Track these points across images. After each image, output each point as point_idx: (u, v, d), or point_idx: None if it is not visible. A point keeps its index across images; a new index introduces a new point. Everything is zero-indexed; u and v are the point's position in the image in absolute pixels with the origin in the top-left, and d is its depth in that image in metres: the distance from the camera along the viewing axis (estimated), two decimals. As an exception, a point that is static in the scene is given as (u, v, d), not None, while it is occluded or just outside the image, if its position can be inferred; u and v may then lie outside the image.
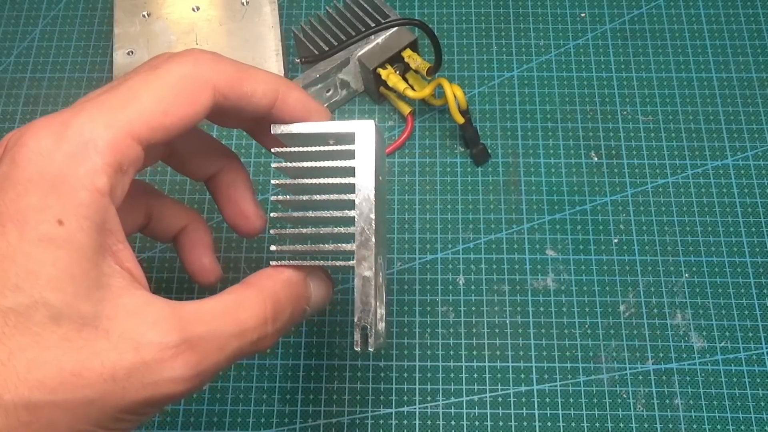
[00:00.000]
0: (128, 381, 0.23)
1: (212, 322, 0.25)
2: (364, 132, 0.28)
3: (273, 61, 0.47)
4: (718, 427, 0.41)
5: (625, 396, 0.42)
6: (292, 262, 0.28)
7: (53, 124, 0.23)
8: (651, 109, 0.50)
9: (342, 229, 0.28)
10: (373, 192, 0.28)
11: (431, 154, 0.49)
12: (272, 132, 0.29)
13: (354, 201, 0.28)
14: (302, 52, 0.50)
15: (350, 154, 0.28)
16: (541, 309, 0.44)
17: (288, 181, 0.29)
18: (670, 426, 0.41)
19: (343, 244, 0.28)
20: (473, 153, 0.48)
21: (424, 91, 0.47)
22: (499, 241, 0.46)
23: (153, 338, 0.23)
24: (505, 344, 0.43)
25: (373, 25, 0.48)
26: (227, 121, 0.30)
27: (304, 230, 0.29)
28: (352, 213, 0.28)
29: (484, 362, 0.43)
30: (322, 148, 0.28)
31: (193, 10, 0.49)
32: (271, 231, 0.30)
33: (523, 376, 0.42)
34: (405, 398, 0.42)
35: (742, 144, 0.48)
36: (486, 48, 0.53)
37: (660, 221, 0.46)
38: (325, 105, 0.49)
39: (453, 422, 0.41)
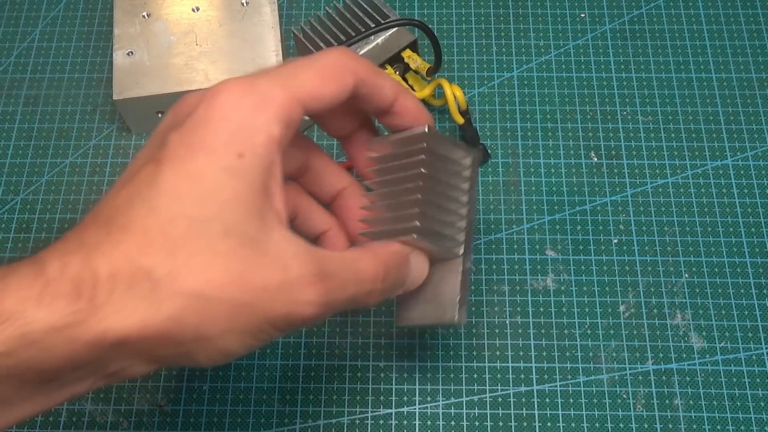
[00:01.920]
0: (276, 294, 0.28)
1: (338, 266, 0.30)
2: (475, 155, 0.36)
3: (273, 61, 0.47)
4: (718, 427, 0.41)
5: (625, 396, 0.42)
6: (422, 241, 0.34)
7: (242, 82, 0.29)
8: (651, 110, 0.50)
9: (458, 224, 0.35)
10: (473, 202, 0.36)
11: (431, 155, 0.49)
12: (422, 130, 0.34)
13: (465, 207, 0.35)
14: (303, 54, 0.50)
15: (467, 173, 0.36)
16: (541, 309, 0.44)
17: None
18: (670, 426, 0.41)
19: (458, 237, 0.35)
20: None
21: (424, 92, 0.47)
22: (498, 241, 0.46)
23: (295, 265, 0.28)
24: (505, 344, 0.43)
25: (373, 25, 0.48)
26: (343, 120, 0.36)
27: (436, 217, 0.34)
28: (463, 211, 0.35)
29: (484, 362, 0.43)
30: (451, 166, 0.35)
31: (193, 10, 0.49)
32: (405, 211, 0.34)
33: (523, 376, 0.42)
34: (405, 398, 0.42)
35: (741, 144, 0.48)
36: (486, 48, 0.53)
37: (660, 221, 0.46)
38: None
39: (453, 422, 0.41)
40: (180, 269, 0.26)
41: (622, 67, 0.51)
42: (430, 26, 0.47)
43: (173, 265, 0.26)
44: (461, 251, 0.35)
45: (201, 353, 0.28)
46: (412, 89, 0.47)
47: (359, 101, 0.33)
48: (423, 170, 0.33)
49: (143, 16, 0.49)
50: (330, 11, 0.49)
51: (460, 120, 0.46)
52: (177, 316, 0.26)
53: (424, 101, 0.49)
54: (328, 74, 0.31)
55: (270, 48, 0.48)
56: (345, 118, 0.36)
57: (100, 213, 0.28)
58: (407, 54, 0.48)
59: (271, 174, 0.29)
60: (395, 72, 0.48)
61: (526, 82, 0.51)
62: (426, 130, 0.34)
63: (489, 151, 0.48)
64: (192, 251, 0.27)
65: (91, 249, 0.26)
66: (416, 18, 0.52)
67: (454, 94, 0.45)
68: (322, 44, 0.48)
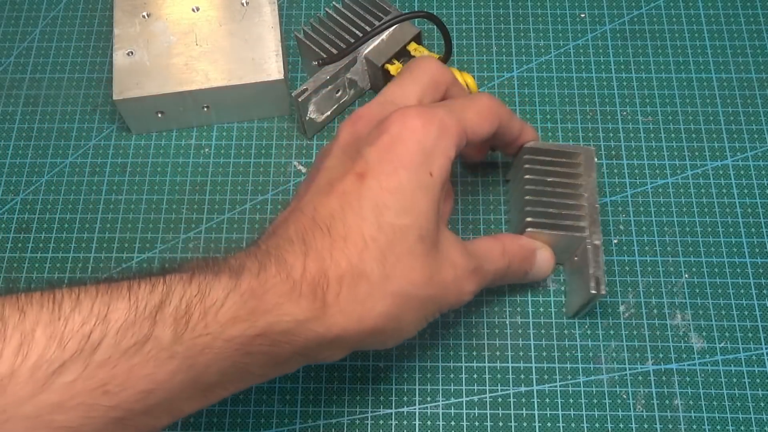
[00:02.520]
0: (450, 287, 0.35)
1: (482, 259, 0.37)
2: (590, 153, 0.43)
3: (273, 61, 0.47)
4: (718, 427, 0.41)
5: (624, 396, 0.42)
6: (543, 230, 0.42)
7: (424, 111, 0.35)
8: (651, 110, 0.50)
9: (576, 212, 0.42)
10: (596, 189, 0.43)
11: (431, 155, 0.49)
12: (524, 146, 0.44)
13: (585, 195, 0.42)
14: (307, 56, 0.50)
15: (580, 168, 0.43)
16: (541, 309, 0.44)
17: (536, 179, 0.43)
18: (670, 426, 0.41)
19: (579, 222, 0.42)
20: None
21: None
22: (499, 241, 0.46)
23: (461, 264, 0.35)
24: (505, 344, 0.43)
25: (376, 22, 0.48)
26: (475, 150, 0.46)
27: (551, 210, 0.42)
28: (584, 202, 0.42)
29: (484, 362, 0.43)
30: (563, 169, 0.43)
31: (193, 10, 0.49)
32: (527, 208, 0.42)
33: (523, 376, 0.42)
34: (405, 398, 0.42)
35: (741, 144, 0.48)
36: (486, 49, 0.53)
37: (660, 221, 0.46)
38: (335, 106, 0.49)
39: (453, 422, 0.41)
40: (389, 272, 0.32)
41: (622, 67, 0.51)
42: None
43: (384, 268, 0.32)
44: (586, 233, 0.41)
45: (392, 340, 0.34)
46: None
47: (493, 137, 0.39)
48: (579, 182, 0.43)
49: (143, 16, 0.49)
50: (330, 11, 0.49)
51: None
52: (387, 313, 0.32)
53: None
54: (485, 115, 0.37)
55: (270, 48, 0.48)
56: (477, 149, 0.45)
57: (317, 217, 0.33)
58: (413, 47, 0.48)
59: (444, 187, 0.35)
60: (402, 66, 0.48)
61: (526, 82, 0.51)
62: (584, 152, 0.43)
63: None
64: (397, 256, 0.32)
65: (322, 255, 0.31)
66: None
67: (465, 81, 0.46)
68: (325, 44, 0.48)
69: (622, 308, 0.44)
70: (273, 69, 0.47)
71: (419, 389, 0.42)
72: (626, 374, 0.42)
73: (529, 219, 0.42)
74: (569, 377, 0.42)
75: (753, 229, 0.46)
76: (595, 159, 0.43)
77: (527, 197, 0.42)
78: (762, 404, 0.41)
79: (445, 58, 0.47)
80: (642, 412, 0.41)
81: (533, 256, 0.42)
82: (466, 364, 0.43)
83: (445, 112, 0.35)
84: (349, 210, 0.32)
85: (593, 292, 0.40)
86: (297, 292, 0.30)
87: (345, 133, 0.36)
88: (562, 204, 0.42)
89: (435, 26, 0.46)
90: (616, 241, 0.46)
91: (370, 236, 0.32)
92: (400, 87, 0.38)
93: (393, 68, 0.47)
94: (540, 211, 0.42)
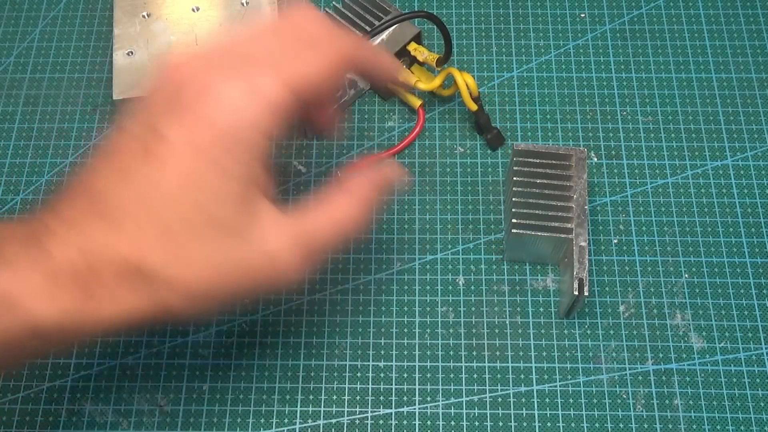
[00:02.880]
0: (260, 276, 0.32)
1: (319, 225, 0.34)
2: (581, 155, 0.43)
3: None
4: (718, 427, 0.41)
5: (624, 396, 0.42)
6: (528, 231, 0.42)
7: (235, 73, 0.30)
8: (651, 110, 0.50)
9: (564, 214, 0.42)
10: (587, 191, 0.43)
11: (431, 155, 0.49)
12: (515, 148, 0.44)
13: (573, 197, 0.42)
14: None
15: (570, 170, 0.43)
16: (541, 309, 0.44)
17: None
18: (670, 426, 0.41)
19: (566, 224, 0.42)
20: (488, 138, 0.48)
21: (435, 82, 0.47)
22: (499, 241, 0.46)
23: (279, 248, 0.32)
24: (505, 344, 0.43)
25: (376, 22, 0.48)
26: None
27: (537, 212, 0.42)
28: (572, 204, 0.42)
29: (484, 362, 0.43)
30: (554, 171, 0.43)
31: (193, 10, 0.49)
32: (513, 209, 0.42)
33: (523, 376, 0.42)
34: (405, 398, 0.42)
35: (741, 144, 0.48)
36: (486, 49, 0.53)
37: (660, 221, 0.46)
38: (335, 106, 0.49)
39: (453, 422, 0.41)
40: (171, 264, 0.29)
41: (622, 67, 0.51)
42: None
43: (165, 259, 0.29)
44: (572, 234, 0.41)
45: (179, 323, 0.34)
46: (420, 81, 0.47)
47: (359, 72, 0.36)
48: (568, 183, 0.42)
49: (143, 16, 0.49)
50: (330, 11, 0.49)
51: (474, 106, 0.47)
52: (164, 304, 0.30)
53: (433, 93, 0.49)
54: (323, 63, 0.32)
55: None
56: (321, 109, 0.38)
57: (96, 200, 0.29)
58: (413, 47, 0.48)
59: (257, 162, 0.31)
60: (402, 66, 0.48)
61: (526, 82, 0.51)
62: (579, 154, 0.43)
63: (505, 134, 0.49)
64: (181, 244, 0.29)
65: (91, 242, 0.28)
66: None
67: (465, 81, 0.46)
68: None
69: (622, 308, 0.44)
70: None
71: (419, 389, 0.42)
72: (626, 374, 0.42)
73: (514, 220, 0.42)
74: (569, 377, 0.42)
75: (753, 229, 0.46)
76: (587, 160, 0.44)
77: (514, 198, 0.42)
78: (762, 404, 0.41)
79: (445, 58, 0.47)
80: (642, 412, 0.41)
81: (387, 179, 0.38)
82: (466, 364, 0.43)
83: (263, 72, 0.31)
84: (131, 190, 0.29)
85: (575, 293, 0.40)
86: (58, 287, 0.28)
87: (156, 96, 0.32)
88: (549, 205, 0.42)
89: (435, 26, 0.46)
90: (616, 241, 0.46)
91: (150, 222, 0.29)
92: (255, 40, 0.33)
93: (393, 68, 0.47)
94: (525, 213, 0.42)
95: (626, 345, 0.43)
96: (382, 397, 0.42)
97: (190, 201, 0.29)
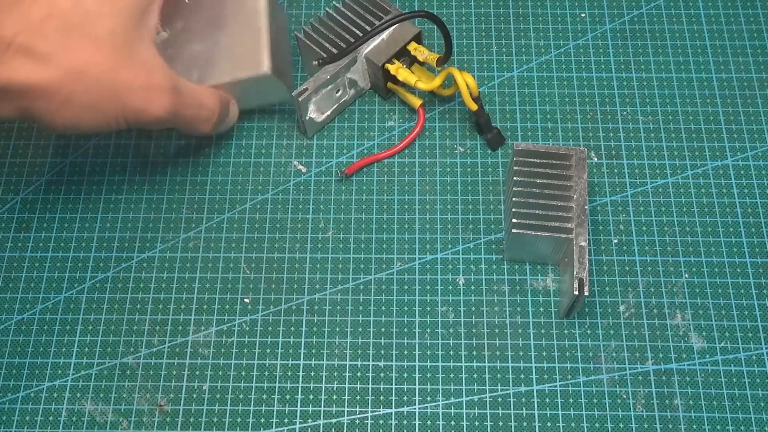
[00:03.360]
0: (138, 91, 0.38)
1: (188, 90, 0.41)
2: (582, 154, 0.44)
3: (264, 53, 0.46)
4: (718, 427, 0.41)
5: (624, 396, 0.42)
6: (528, 231, 0.42)
7: None
8: (651, 110, 0.50)
9: (564, 214, 0.42)
10: (587, 190, 0.43)
11: (431, 155, 0.49)
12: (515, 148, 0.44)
13: (573, 196, 0.43)
14: (307, 55, 0.50)
15: (570, 170, 0.43)
16: (541, 309, 0.44)
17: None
18: (670, 426, 0.41)
19: (566, 224, 0.42)
20: (488, 138, 0.48)
21: (435, 82, 0.47)
22: (499, 241, 0.46)
23: (158, 76, 0.39)
24: (505, 344, 0.43)
25: (376, 22, 0.48)
26: None
27: (537, 212, 0.42)
28: (572, 203, 0.42)
29: (484, 362, 0.43)
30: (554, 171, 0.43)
31: (188, 6, 0.49)
32: (513, 209, 0.42)
33: (523, 376, 0.42)
34: (405, 398, 0.42)
35: (742, 144, 0.48)
36: (486, 48, 0.53)
37: (660, 221, 0.46)
38: (335, 106, 0.49)
39: (453, 422, 0.41)
40: (68, 46, 0.35)
41: (622, 67, 0.51)
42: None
43: (63, 43, 0.35)
44: (572, 234, 0.41)
45: (60, 116, 0.36)
46: (420, 81, 0.47)
47: None
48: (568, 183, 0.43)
49: None
50: (330, 11, 0.49)
51: (474, 106, 0.47)
52: (57, 80, 0.35)
53: (433, 92, 0.49)
54: None
55: (266, 47, 0.47)
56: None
57: None
58: (413, 47, 0.48)
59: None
60: (402, 65, 0.47)
61: (526, 82, 0.51)
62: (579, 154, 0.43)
63: (505, 134, 0.49)
64: (82, 36, 0.35)
65: (5, 14, 0.34)
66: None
67: (465, 81, 0.45)
68: (325, 44, 0.48)
69: (622, 308, 0.44)
70: (263, 62, 0.46)
71: (419, 389, 0.42)
72: (626, 374, 0.42)
73: (514, 220, 0.42)
74: (569, 377, 0.42)
75: (753, 229, 0.46)
76: (587, 160, 0.44)
77: (514, 198, 0.42)
78: (762, 404, 0.41)
79: (445, 58, 0.47)
80: (642, 412, 0.41)
81: (232, 107, 0.47)
82: (466, 364, 0.43)
83: None
84: None
85: (575, 293, 0.40)
86: None
87: None
88: (549, 205, 0.42)
89: (435, 26, 0.46)
90: (616, 241, 0.46)
91: (62, 9, 0.35)
92: None
93: (393, 68, 0.47)
94: (525, 213, 0.42)
95: (626, 345, 0.43)
96: (382, 397, 0.42)
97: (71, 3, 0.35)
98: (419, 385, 0.42)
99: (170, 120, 0.40)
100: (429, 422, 0.41)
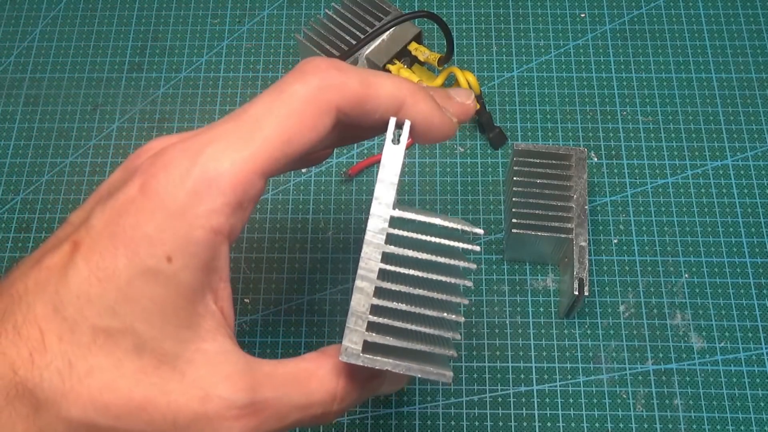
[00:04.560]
0: (187, 429, 0.23)
1: (282, 387, 0.25)
2: (582, 154, 0.43)
3: None
4: (718, 427, 0.41)
5: (624, 396, 0.42)
6: (528, 231, 0.41)
7: (183, 157, 0.24)
8: (651, 110, 0.50)
9: (564, 214, 0.42)
10: (586, 191, 0.43)
11: (431, 155, 0.49)
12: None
13: (573, 197, 0.42)
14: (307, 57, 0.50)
15: (570, 170, 0.43)
16: (541, 309, 0.44)
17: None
18: (670, 426, 0.41)
19: (566, 224, 0.41)
20: (490, 137, 0.48)
21: (437, 81, 0.47)
22: (498, 241, 0.46)
23: (222, 393, 0.24)
24: (505, 344, 0.43)
25: (376, 23, 0.48)
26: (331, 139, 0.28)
27: (537, 212, 0.42)
28: (572, 204, 0.42)
29: (484, 362, 0.43)
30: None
31: None
32: (513, 209, 0.41)
33: (523, 376, 0.42)
34: (405, 398, 0.42)
35: (741, 144, 0.48)
36: (486, 48, 0.53)
37: (660, 221, 0.46)
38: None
39: (453, 422, 0.41)
40: (71, 390, 0.22)
41: (622, 67, 0.51)
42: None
43: (64, 383, 0.22)
44: (572, 234, 0.41)
45: None
46: (422, 81, 0.47)
47: (353, 122, 0.26)
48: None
49: None
50: (330, 12, 0.49)
51: (476, 105, 0.46)
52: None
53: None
54: (299, 122, 0.24)
55: None
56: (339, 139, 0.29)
57: (13, 294, 0.24)
58: (414, 47, 0.48)
59: (211, 270, 0.24)
60: (403, 66, 0.48)
61: (526, 83, 0.51)
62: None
63: (507, 133, 0.49)
64: (91, 369, 0.23)
65: None
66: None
67: (467, 79, 0.46)
68: (326, 46, 0.48)
69: (622, 308, 0.44)
70: None
71: (419, 389, 0.42)
72: (626, 374, 0.42)
73: (514, 220, 0.42)
74: (569, 377, 0.42)
75: (753, 229, 0.46)
76: (587, 160, 0.44)
77: (514, 199, 0.43)
78: (762, 404, 0.41)
79: (447, 57, 0.47)
80: (642, 411, 0.41)
81: (382, 373, 0.28)
82: (466, 364, 0.43)
83: (208, 154, 0.24)
84: (43, 294, 0.23)
85: (575, 293, 0.40)
86: None
87: (117, 171, 0.26)
88: (549, 205, 0.42)
89: (435, 26, 0.46)
90: (616, 241, 0.46)
91: (58, 336, 0.23)
92: (240, 119, 0.25)
93: (395, 68, 0.47)
94: (525, 213, 0.42)
95: (626, 345, 0.43)
96: (382, 397, 0.42)
97: (104, 305, 0.23)
98: (419, 385, 0.42)
99: None
100: (429, 422, 0.41)
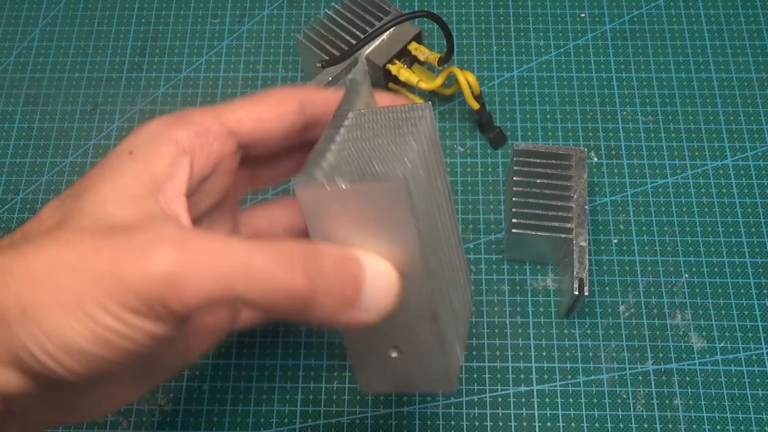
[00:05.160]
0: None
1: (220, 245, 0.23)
2: (582, 154, 0.44)
3: None
4: (718, 427, 0.41)
5: (624, 396, 0.42)
6: (528, 231, 0.42)
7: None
8: (651, 110, 0.50)
9: (564, 214, 0.42)
10: (586, 190, 0.43)
11: (431, 155, 0.49)
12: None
13: (573, 196, 0.42)
14: (307, 58, 0.50)
15: (570, 170, 0.44)
16: (541, 309, 0.44)
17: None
18: (670, 426, 0.41)
19: (566, 224, 0.41)
20: (490, 137, 0.48)
21: (437, 81, 0.47)
22: (499, 241, 0.46)
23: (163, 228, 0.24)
24: (505, 344, 0.43)
25: (376, 22, 0.48)
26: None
27: (537, 212, 0.42)
28: (572, 203, 0.42)
29: (484, 362, 0.43)
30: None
31: None
32: (513, 209, 0.42)
33: (523, 376, 0.42)
34: (405, 398, 0.42)
35: (741, 144, 0.48)
36: (486, 48, 0.53)
37: (660, 221, 0.46)
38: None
39: (453, 422, 0.41)
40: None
41: (622, 67, 0.51)
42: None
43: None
44: (572, 234, 0.42)
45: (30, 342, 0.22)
46: (422, 81, 0.47)
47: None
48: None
49: None
50: (330, 12, 0.49)
51: (476, 105, 0.47)
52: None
53: (433, 92, 0.49)
54: (265, 101, 0.29)
55: None
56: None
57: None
58: (414, 46, 0.48)
59: (167, 176, 0.26)
60: (403, 65, 0.48)
61: (526, 82, 0.51)
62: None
63: (507, 133, 0.49)
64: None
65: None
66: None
67: (467, 79, 0.46)
68: (326, 46, 0.48)
69: (622, 308, 0.44)
70: None
71: (419, 389, 0.42)
72: (626, 374, 0.42)
73: (514, 220, 0.42)
74: (569, 377, 0.42)
75: (753, 229, 0.46)
76: (587, 160, 0.44)
77: (514, 198, 0.43)
78: (762, 404, 0.41)
79: (447, 57, 0.47)
80: (642, 412, 0.41)
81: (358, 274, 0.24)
82: (466, 364, 0.43)
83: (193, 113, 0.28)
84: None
85: (575, 293, 0.40)
86: None
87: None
88: (549, 205, 0.42)
89: (435, 26, 0.46)
90: (616, 241, 0.46)
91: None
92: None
93: (395, 68, 0.47)
94: (525, 213, 0.42)
95: (626, 345, 0.43)
96: (382, 397, 0.42)
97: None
98: (419, 385, 0.42)
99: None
100: (429, 422, 0.41)
